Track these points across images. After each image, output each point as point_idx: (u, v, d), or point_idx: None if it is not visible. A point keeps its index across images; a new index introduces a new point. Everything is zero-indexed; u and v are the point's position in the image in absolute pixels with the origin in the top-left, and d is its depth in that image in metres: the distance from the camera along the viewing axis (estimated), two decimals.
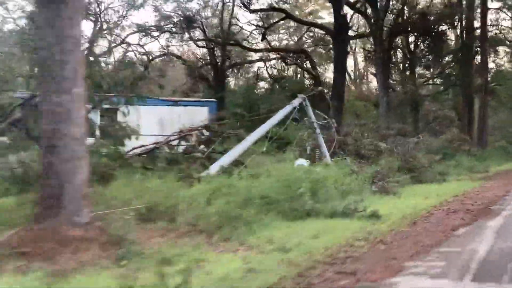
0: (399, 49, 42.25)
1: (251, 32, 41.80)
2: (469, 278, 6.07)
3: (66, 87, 7.10)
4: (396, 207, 12.03)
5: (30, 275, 5.94)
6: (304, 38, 45.01)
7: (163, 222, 8.97)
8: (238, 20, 40.64)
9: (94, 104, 14.17)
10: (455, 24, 39.57)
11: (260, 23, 40.20)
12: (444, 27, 39.56)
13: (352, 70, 53.21)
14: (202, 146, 15.72)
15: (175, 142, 15.56)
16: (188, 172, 12.37)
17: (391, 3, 35.90)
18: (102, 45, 36.97)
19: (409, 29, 38.89)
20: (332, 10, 34.28)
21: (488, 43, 38.26)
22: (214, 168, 13.63)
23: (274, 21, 40.32)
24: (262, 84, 45.76)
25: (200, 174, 13.04)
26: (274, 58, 43.49)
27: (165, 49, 39.22)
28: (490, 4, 38.43)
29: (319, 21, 43.29)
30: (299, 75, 47.71)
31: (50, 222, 6.71)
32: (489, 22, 38.70)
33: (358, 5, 35.77)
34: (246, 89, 41.03)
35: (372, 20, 34.23)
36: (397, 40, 40.17)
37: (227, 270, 6.39)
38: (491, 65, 41.06)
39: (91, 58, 14.06)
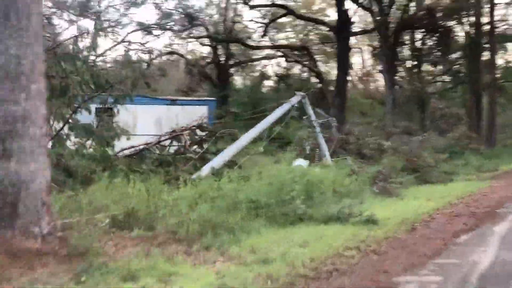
0: (405, 46, 41.39)
1: (255, 30, 41.21)
2: None
3: (23, 84, 6.44)
4: (396, 210, 11.38)
5: None
6: (311, 36, 44.32)
7: (141, 229, 8.32)
8: (241, 17, 40.13)
9: (79, 103, 13.50)
10: (463, 20, 38.76)
11: (265, 21, 39.50)
12: (451, 23, 38.70)
13: (359, 68, 52.57)
14: (195, 147, 15.07)
15: (167, 142, 14.91)
16: (175, 174, 11.71)
17: None
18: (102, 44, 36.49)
19: (416, 25, 38.00)
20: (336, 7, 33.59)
21: (497, 39, 37.40)
22: (205, 170, 12.99)
23: (278, 18, 39.67)
24: (268, 82, 45.29)
25: (191, 176, 12.43)
26: (278, 56, 42.77)
27: (168, 48, 38.69)
28: None
29: (326, 19, 42.54)
30: (305, 74, 47.06)
31: (1, 233, 6.06)
32: (497, 18, 37.91)
33: (362, 0, 34.97)
34: (251, 88, 40.49)
35: (377, 17, 33.49)
36: (403, 36, 39.30)
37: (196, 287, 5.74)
38: (499, 61, 40.34)
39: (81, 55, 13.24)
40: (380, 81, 47.43)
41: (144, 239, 7.98)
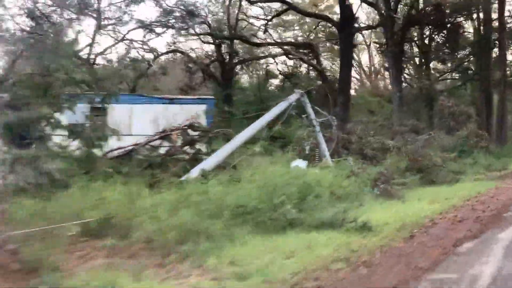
0: (413, 42, 40.52)
1: (259, 28, 40.48)
2: None
3: None
4: (396, 215, 10.63)
5: None
6: (318, 34, 43.57)
7: (115, 238, 7.67)
8: (245, 15, 39.42)
9: (67, 103, 12.90)
10: (472, 16, 37.88)
11: (267, 17, 38.82)
12: (460, 18, 37.81)
13: (367, 66, 51.78)
14: (186, 147, 14.41)
15: (157, 143, 14.27)
16: (160, 177, 11.05)
17: None
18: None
19: (423, 21, 37.12)
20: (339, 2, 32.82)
21: (507, 35, 36.49)
22: (195, 171, 12.33)
23: (283, 15, 38.96)
24: (275, 81, 44.58)
25: (181, 178, 11.79)
26: (283, 54, 42.03)
27: (170, 46, 38.00)
28: None
29: (334, 17, 41.78)
30: (312, 72, 46.28)
31: None
32: (507, 13, 36.98)
33: None
34: (257, 86, 39.89)
35: (383, 12, 32.65)
36: (411, 33, 38.44)
37: None
38: (510, 57, 39.27)
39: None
40: (388, 78, 46.68)
41: (116, 249, 7.36)
